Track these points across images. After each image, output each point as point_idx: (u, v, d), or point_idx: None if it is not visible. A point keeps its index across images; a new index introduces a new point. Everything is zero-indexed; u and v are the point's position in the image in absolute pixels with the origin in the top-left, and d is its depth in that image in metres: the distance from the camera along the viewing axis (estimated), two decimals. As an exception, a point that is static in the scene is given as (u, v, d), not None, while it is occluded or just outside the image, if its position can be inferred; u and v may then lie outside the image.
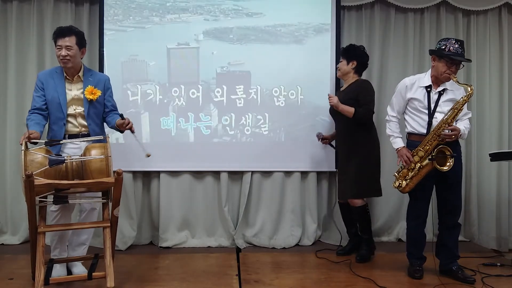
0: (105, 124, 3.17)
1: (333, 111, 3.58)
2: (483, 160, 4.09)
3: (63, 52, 2.93)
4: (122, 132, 3.10)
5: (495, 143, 4.16)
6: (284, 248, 3.96)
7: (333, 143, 3.88)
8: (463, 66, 3.11)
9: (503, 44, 4.18)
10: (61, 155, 2.83)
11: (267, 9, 3.96)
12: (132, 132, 2.98)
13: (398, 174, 3.15)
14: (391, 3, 4.09)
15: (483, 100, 4.19)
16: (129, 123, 2.97)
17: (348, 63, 3.56)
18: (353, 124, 3.46)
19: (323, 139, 3.83)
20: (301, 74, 3.98)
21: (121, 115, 2.99)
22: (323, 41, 4.00)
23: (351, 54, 3.57)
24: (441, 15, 4.16)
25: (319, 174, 4.08)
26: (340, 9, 4.02)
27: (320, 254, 3.68)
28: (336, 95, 3.65)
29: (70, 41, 2.95)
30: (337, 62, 3.96)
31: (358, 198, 3.52)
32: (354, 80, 3.58)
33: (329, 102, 3.51)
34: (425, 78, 3.15)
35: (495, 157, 3.50)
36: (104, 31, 3.87)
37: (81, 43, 3.03)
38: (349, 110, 3.42)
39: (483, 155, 4.07)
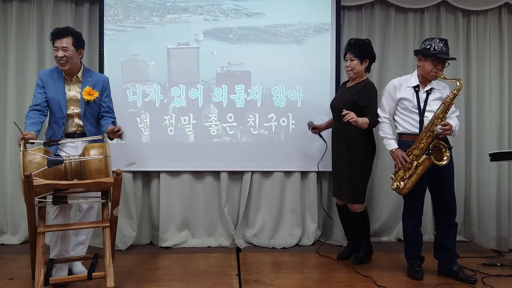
0: None
1: (336, 107, 3.47)
2: (483, 160, 4.08)
3: (60, 53, 2.93)
4: (111, 139, 2.97)
5: (495, 143, 4.15)
6: (284, 248, 3.95)
7: (325, 138, 3.75)
8: (449, 64, 3.17)
9: (503, 44, 4.18)
10: (59, 155, 2.83)
11: (267, 9, 3.96)
12: (121, 139, 2.94)
13: (394, 176, 3.15)
14: (391, 3, 4.09)
15: (483, 100, 4.18)
16: (119, 130, 2.93)
17: (362, 63, 3.38)
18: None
19: (314, 129, 3.68)
20: (301, 74, 3.98)
21: (113, 122, 2.96)
22: (323, 41, 3.99)
23: (364, 53, 3.39)
24: (441, 15, 4.16)
25: (319, 174, 4.07)
26: (340, 9, 4.02)
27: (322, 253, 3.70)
28: (339, 91, 3.61)
29: (66, 42, 2.94)
30: (337, 62, 3.98)
31: (358, 203, 3.46)
32: (362, 78, 3.44)
33: (350, 120, 3.18)
34: (412, 79, 3.19)
35: (495, 157, 3.50)
36: (104, 31, 3.87)
37: (78, 44, 3.01)
38: (365, 121, 3.23)
39: (483, 155, 4.07)
